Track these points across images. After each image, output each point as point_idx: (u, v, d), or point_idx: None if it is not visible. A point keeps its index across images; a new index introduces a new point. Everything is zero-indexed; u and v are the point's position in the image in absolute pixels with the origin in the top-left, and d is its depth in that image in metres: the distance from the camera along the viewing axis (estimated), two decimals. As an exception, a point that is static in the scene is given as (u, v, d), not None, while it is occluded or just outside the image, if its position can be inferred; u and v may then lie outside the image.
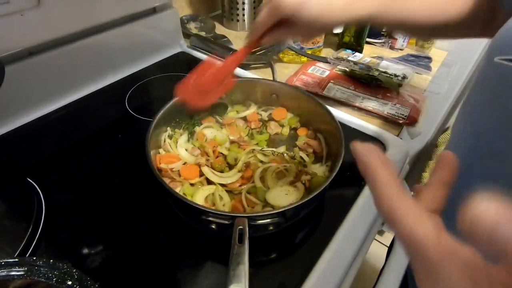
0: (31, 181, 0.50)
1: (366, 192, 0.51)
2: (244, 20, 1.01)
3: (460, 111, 0.45)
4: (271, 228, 0.41)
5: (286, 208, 0.39)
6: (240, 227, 0.36)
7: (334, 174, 0.43)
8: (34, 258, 0.27)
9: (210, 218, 0.39)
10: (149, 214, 0.48)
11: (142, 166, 0.44)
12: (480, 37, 0.49)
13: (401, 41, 0.92)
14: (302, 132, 0.60)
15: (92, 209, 0.49)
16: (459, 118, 0.44)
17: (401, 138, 0.62)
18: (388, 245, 0.72)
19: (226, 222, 0.39)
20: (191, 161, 0.52)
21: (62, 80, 0.67)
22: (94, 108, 0.68)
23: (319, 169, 0.53)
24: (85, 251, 0.43)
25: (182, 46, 0.88)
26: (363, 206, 0.49)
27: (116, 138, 0.61)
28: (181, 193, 0.46)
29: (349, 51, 0.87)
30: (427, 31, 0.49)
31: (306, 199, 0.40)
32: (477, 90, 0.40)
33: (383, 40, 0.94)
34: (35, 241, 0.43)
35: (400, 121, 0.65)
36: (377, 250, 1.06)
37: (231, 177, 0.49)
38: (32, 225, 0.44)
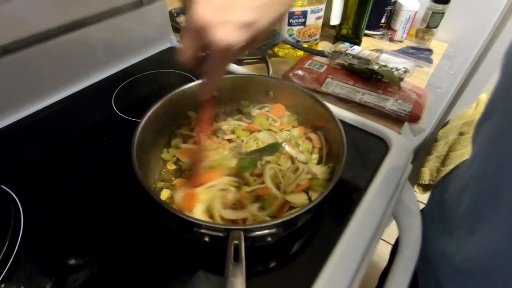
0: (7, 189, 0.46)
1: (370, 195, 0.48)
2: (237, 13, 0.97)
3: (479, 129, 0.41)
4: (269, 239, 0.38)
5: (284, 219, 0.36)
6: (236, 241, 0.33)
7: (337, 179, 0.40)
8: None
9: (203, 231, 0.36)
10: (138, 225, 0.45)
11: (130, 172, 0.40)
12: None
13: (400, 32, 0.89)
14: (300, 131, 0.56)
15: (76, 220, 0.45)
16: (482, 142, 0.39)
17: (399, 133, 0.59)
18: (393, 244, 0.70)
19: (220, 234, 0.36)
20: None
21: (42, 80, 0.62)
22: (78, 109, 0.64)
23: (319, 170, 0.50)
24: (68, 268, 0.40)
25: (172, 41, 0.83)
26: (367, 209, 0.46)
27: (102, 141, 0.57)
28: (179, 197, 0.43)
29: (347, 44, 0.83)
30: None
31: (308, 208, 0.37)
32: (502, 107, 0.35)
33: (382, 32, 0.90)
34: (11, 259, 0.39)
35: (402, 118, 0.62)
36: (378, 247, 1.03)
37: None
38: (9, 240, 0.40)
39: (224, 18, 0.29)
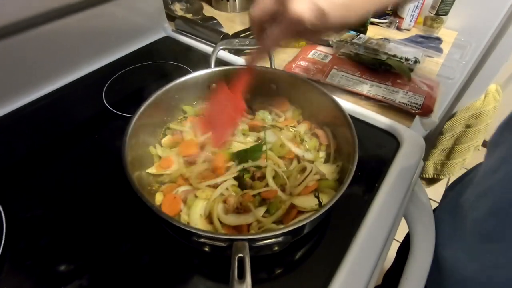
0: (-12, 195, 0.42)
1: (382, 195, 0.45)
2: (235, 0, 0.91)
3: (504, 130, 0.38)
4: (276, 248, 0.35)
5: (293, 227, 0.32)
6: (240, 255, 0.29)
7: (349, 181, 0.36)
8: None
9: (203, 240, 0.32)
10: (131, 231, 0.41)
11: (122, 173, 0.36)
12: None
13: (408, 20, 0.84)
14: (306, 127, 0.52)
15: (63, 227, 0.41)
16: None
17: (408, 128, 0.55)
18: (400, 241, 0.67)
19: (222, 244, 0.32)
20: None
21: (26, 73, 0.58)
22: (66, 104, 0.59)
23: (327, 169, 0.46)
24: (55, 280, 0.36)
25: (166, 30, 0.78)
26: (380, 211, 0.43)
27: (92, 139, 0.53)
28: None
29: (352, 32, 0.78)
30: None
31: (318, 214, 0.33)
32: None
33: (388, 20, 0.86)
34: (-8, 272, 0.36)
35: (414, 111, 0.58)
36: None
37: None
38: (-11, 251, 0.37)
39: None
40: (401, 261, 0.46)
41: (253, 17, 0.35)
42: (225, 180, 0.42)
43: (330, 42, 0.74)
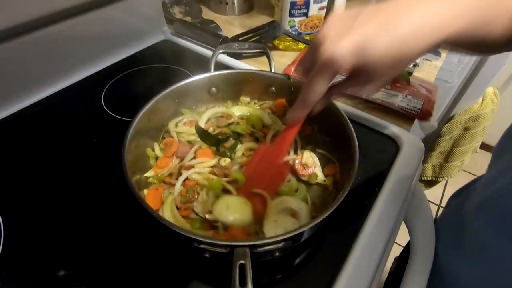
0: (-15, 200, 0.42)
1: (382, 199, 0.45)
2: (234, 3, 0.92)
3: (507, 140, 0.37)
4: (277, 254, 0.35)
5: (294, 233, 0.32)
6: (241, 261, 0.29)
7: (350, 186, 0.36)
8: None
9: (203, 246, 0.32)
10: (130, 237, 0.41)
11: (122, 177, 0.36)
12: None
13: (406, 24, 0.84)
14: (306, 130, 0.52)
15: (62, 233, 0.41)
16: None
17: (408, 131, 0.55)
18: (401, 244, 0.67)
19: (223, 250, 0.32)
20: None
21: (24, 77, 0.57)
22: (64, 108, 0.59)
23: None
24: (53, 287, 0.36)
25: (165, 33, 0.78)
26: (380, 215, 0.43)
27: (90, 143, 0.53)
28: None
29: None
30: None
31: (318, 220, 0.33)
32: None
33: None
34: (-10, 279, 0.35)
35: (413, 115, 0.58)
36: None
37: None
38: (-14, 257, 0.36)
39: (341, 34, 0.28)
40: (402, 267, 0.46)
41: (300, 76, 0.34)
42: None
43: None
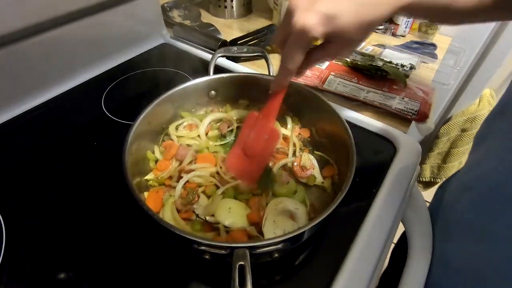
0: (-13, 204, 0.42)
1: (380, 200, 0.45)
2: (233, 7, 0.92)
3: (489, 125, 0.38)
4: (276, 255, 0.35)
5: (293, 234, 0.32)
6: (241, 262, 0.29)
7: (347, 188, 0.37)
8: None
9: (203, 248, 0.33)
10: (131, 239, 0.41)
11: (122, 180, 0.37)
12: None
13: (403, 26, 0.85)
14: (305, 133, 0.53)
15: (63, 236, 0.41)
16: (499, 137, 0.36)
17: (405, 133, 0.56)
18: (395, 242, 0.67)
19: (223, 252, 0.32)
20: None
21: (25, 81, 0.58)
22: (64, 111, 0.59)
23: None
24: (55, 289, 0.36)
25: (165, 36, 0.79)
26: (377, 216, 0.43)
27: (91, 146, 0.53)
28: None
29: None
30: (477, 13, 0.34)
31: (316, 222, 0.33)
32: None
33: (384, 26, 0.87)
34: (-9, 281, 0.36)
35: (410, 117, 0.59)
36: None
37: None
38: (-12, 260, 0.37)
39: (310, 5, 0.30)
40: (397, 263, 0.46)
41: (276, 47, 0.35)
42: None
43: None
